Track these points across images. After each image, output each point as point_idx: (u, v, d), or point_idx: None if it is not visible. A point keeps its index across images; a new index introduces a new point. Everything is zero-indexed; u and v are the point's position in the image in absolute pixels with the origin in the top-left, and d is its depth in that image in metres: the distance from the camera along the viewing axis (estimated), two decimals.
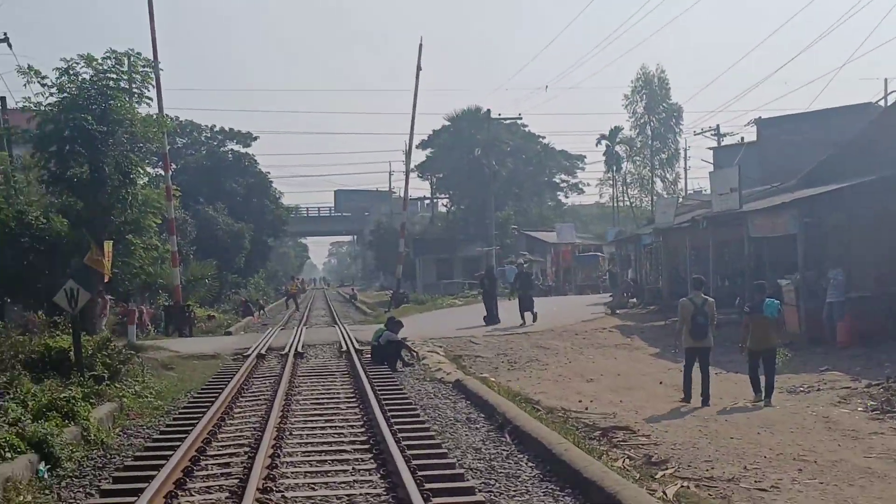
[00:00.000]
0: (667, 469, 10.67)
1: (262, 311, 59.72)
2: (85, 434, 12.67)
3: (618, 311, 36.36)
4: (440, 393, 17.36)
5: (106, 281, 29.48)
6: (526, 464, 10.91)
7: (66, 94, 30.46)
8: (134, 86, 31.32)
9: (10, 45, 39.30)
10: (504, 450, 11.78)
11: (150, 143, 32.99)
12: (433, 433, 12.68)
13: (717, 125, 68.32)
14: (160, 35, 36.70)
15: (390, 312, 36.28)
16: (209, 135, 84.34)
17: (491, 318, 32.41)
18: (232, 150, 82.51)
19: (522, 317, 31.69)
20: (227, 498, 9.07)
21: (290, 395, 16.83)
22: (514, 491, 9.61)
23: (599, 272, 57.86)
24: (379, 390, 16.33)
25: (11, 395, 13.48)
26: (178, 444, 11.68)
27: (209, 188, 70.45)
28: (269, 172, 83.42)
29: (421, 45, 55.24)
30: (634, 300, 39.21)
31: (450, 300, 55.50)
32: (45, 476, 10.58)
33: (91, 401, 14.86)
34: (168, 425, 14.09)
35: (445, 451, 11.31)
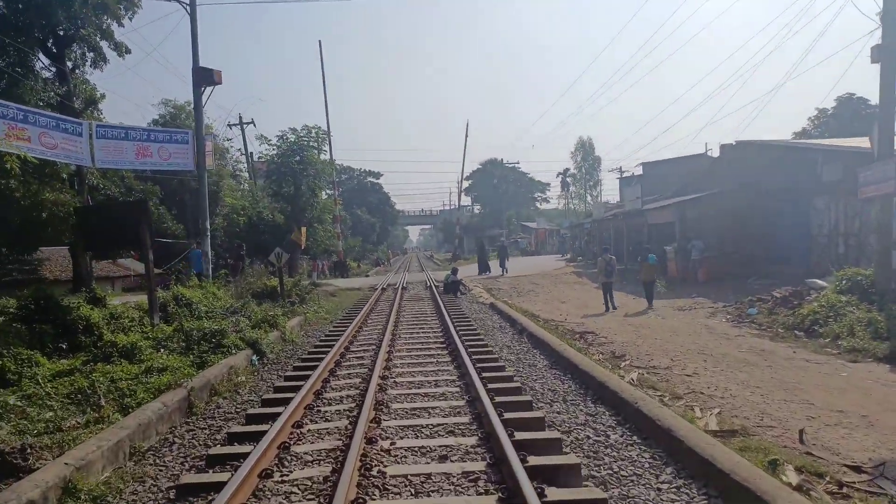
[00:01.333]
0: (625, 361, 8.82)
1: (385, 263, 58.96)
2: (283, 336, 11.08)
3: (571, 264, 34.28)
4: (482, 310, 15.53)
5: (302, 248, 28.19)
6: (539, 356, 9.10)
7: (280, 149, 29.03)
8: (316, 144, 29.71)
9: (255, 126, 37.97)
10: (524, 346, 9.99)
11: (326, 175, 31.41)
12: (482, 335, 10.95)
13: (620, 167, 65.34)
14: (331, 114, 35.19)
15: (452, 264, 34.35)
16: (359, 172, 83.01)
17: (482, 269, 28.56)
18: (370, 180, 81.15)
19: (501, 269, 27.78)
20: (377, 344, 7.46)
21: (400, 308, 15.22)
22: (535, 376, 7.81)
23: (561, 243, 54.09)
24: (448, 307, 14.66)
25: (242, 313, 11.99)
26: (337, 339, 10.10)
27: (358, 200, 70.19)
28: (389, 192, 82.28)
29: (468, 124, 53.56)
30: (580, 258, 36.97)
31: None
32: (256, 363, 9.01)
33: (288, 315, 13.34)
34: (331, 329, 12.43)
35: (490, 347, 9.58)
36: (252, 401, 7.07)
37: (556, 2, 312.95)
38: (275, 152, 29.21)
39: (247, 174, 40.45)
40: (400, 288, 21.41)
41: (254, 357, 9.02)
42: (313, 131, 29.16)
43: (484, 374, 7.01)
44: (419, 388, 7.04)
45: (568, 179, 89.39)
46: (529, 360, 8.77)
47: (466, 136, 51.06)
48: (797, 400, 6.80)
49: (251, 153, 39.68)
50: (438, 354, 8.97)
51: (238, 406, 6.90)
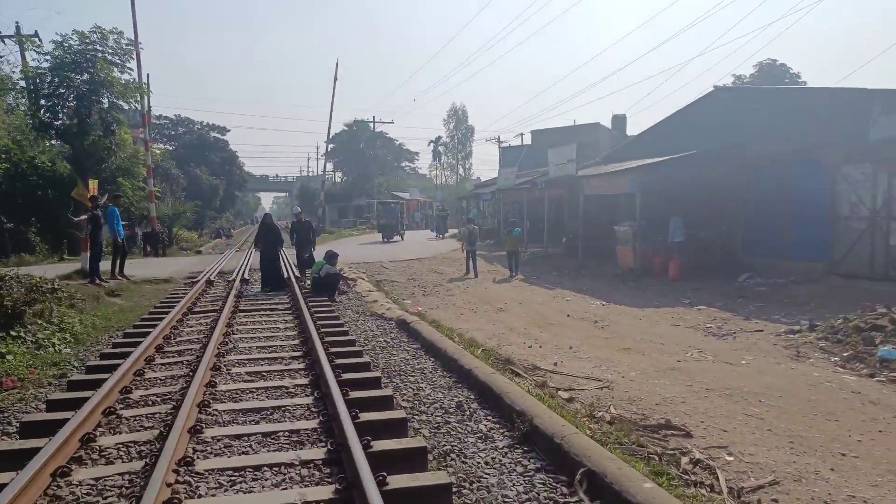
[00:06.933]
0: None
1: (229, 236, 49.50)
2: None
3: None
4: (390, 337, 8.37)
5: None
6: None
7: (58, 60, 19.18)
8: (117, 58, 20.05)
9: (40, 40, 26.53)
10: None
11: (130, 104, 21.73)
12: (442, 457, 4.04)
13: (499, 136, 61.05)
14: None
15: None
16: (199, 126, 70.33)
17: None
18: (213, 135, 69.00)
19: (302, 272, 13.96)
20: None
21: (229, 336, 7.70)
22: None
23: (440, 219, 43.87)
24: (324, 331, 7.54)
25: None
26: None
27: (197, 158, 58.84)
28: (236, 151, 70.39)
29: (337, 65, 43.60)
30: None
31: (347, 231, 46.45)
32: None
33: None
34: (51, 400, 4.69)
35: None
36: None
37: None
38: (48, 65, 19.27)
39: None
40: (238, 280, 13.55)
41: None
42: (111, 37, 19.54)
43: None
44: None
45: (440, 148, 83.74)
46: None
47: (336, 78, 41.58)
48: None
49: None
50: None
51: None
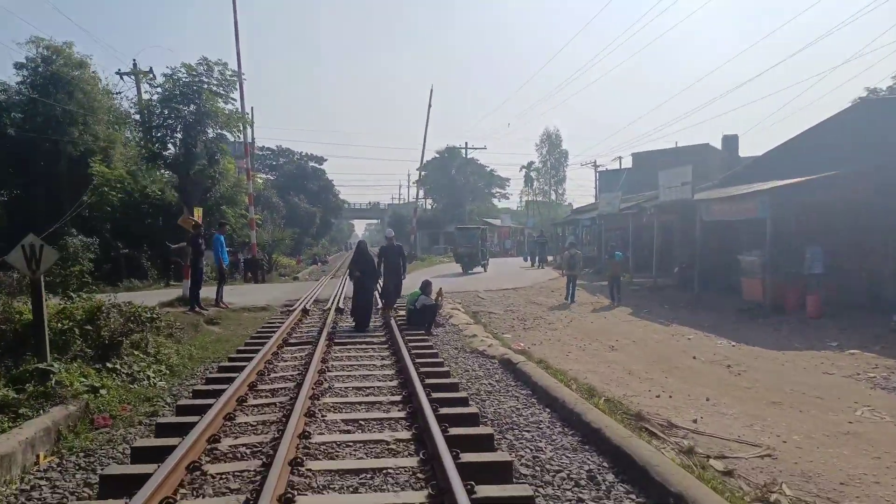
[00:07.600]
0: None
1: (325, 262, 51.11)
2: None
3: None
4: (495, 381, 7.54)
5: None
6: None
7: (166, 91, 20.34)
8: (221, 88, 20.97)
9: (154, 76, 28.56)
10: None
11: (234, 133, 22.60)
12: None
13: (595, 160, 59.24)
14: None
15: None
16: (298, 156, 73.65)
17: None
18: (312, 165, 71.98)
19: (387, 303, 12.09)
20: None
21: (320, 380, 7.20)
22: None
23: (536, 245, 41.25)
24: (424, 373, 6.93)
25: None
26: None
27: (296, 187, 61.35)
28: (332, 179, 72.96)
29: (431, 91, 43.54)
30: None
31: (438, 259, 46.49)
32: None
33: (21, 409, 5.19)
34: (136, 447, 4.28)
35: None
36: None
37: None
38: (157, 97, 20.44)
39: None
40: (333, 309, 13.27)
41: None
42: (216, 69, 20.47)
43: None
44: None
45: (532, 174, 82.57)
46: None
47: (430, 105, 42.12)
48: None
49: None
50: None
51: None
